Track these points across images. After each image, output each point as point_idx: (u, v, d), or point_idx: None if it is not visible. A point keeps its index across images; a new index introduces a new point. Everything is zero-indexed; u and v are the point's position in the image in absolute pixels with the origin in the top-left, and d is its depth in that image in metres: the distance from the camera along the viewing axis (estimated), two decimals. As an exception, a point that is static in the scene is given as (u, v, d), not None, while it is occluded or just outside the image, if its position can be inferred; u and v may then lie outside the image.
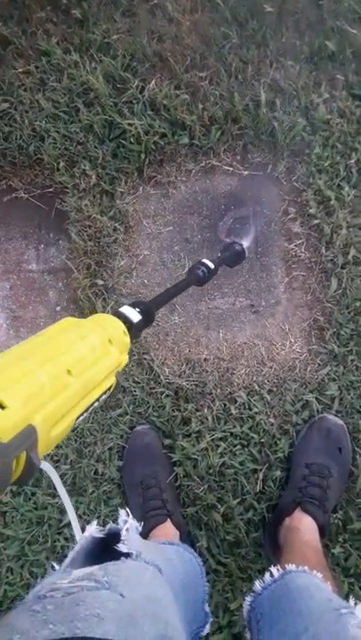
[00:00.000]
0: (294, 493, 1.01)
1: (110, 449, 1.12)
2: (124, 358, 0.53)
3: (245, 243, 1.08)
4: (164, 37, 1.23)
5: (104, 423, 1.13)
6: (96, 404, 0.48)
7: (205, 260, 0.85)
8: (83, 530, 0.59)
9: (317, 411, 1.07)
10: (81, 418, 0.45)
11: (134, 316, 0.58)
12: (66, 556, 0.57)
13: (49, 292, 1.26)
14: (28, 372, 0.39)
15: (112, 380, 0.51)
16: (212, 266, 0.84)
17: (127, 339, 0.54)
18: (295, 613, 0.64)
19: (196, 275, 0.82)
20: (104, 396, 0.49)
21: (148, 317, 0.60)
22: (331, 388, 1.08)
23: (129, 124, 1.17)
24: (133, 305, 0.59)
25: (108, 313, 0.56)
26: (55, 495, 1.11)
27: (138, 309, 0.59)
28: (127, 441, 1.11)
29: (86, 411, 0.46)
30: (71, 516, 0.56)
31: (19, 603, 0.46)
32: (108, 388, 0.50)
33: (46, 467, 0.54)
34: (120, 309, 0.58)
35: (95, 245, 1.20)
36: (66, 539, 1.11)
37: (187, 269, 1.21)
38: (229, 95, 1.17)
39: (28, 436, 0.36)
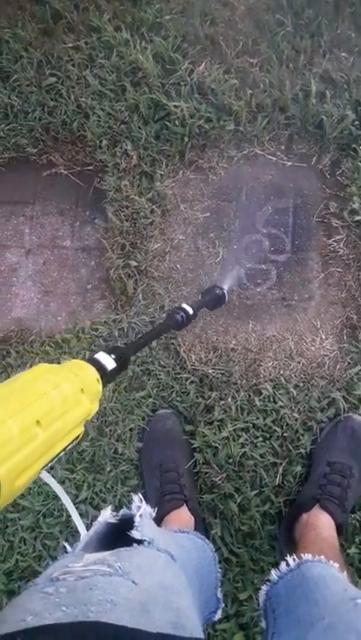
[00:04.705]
0: (314, 490, 1.00)
1: (131, 429, 1.12)
2: (95, 407, 0.53)
3: (226, 286, 1.07)
4: (217, 20, 1.21)
5: (127, 404, 1.13)
6: (62, 453, 0.48)
7: (185, 305, 0.86)
8: (84, 522, 0.59)
9: (344, 410, 1.06)
10: (46, 468, 0.45)
11: (109, 363, 0.57)
12: (78, 532, 0.57)
13: (81, 270, 1.26)
14: None
15: (80, 430, 0.50)
16: (190, 311, 0.85)
17: (99, 387, 0.54)
18: (311, 602, 0.64)
19: (174, 319, 0.83)
20: (70, 446, 0.49)
21: (122, 364, 0.60)
22: (359, 387, 1.06)
23: (175, 106, 1.16)
24: (109, 351, 0.59)
25: (81, 359, 0.55)
26: (73, 471, 1.12)
27: (113, 356, 0.58)
28: (148, 423, 1.11)
29: (52, 461, 0.46)
30: (72, 511, 0.56)
31: (31, 584, 0.46)
32: (75, 438, 0.50)
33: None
34: (95, 356, 0.57)
35: (131, 226, 1.19)
36: (80, 514, 1.11)
37: (220, 258, 1.20)
38: (279, 83, 1.15)
39: None
